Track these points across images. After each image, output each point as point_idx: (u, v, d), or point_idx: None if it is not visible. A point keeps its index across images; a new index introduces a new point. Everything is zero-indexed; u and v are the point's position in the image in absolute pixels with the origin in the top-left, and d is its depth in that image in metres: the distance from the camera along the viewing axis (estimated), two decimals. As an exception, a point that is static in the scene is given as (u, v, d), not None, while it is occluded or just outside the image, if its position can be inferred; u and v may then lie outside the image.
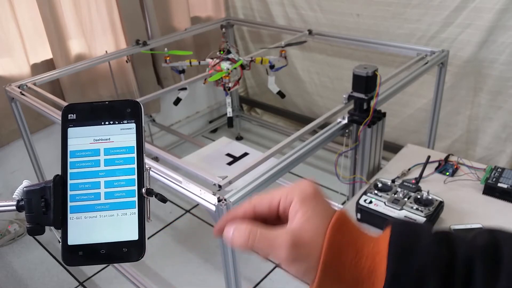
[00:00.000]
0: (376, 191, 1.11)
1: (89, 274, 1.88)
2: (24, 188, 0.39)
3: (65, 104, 0.46)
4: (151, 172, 0.74)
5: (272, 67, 1.98)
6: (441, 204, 1.06)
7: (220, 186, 1.08)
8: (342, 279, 0.36)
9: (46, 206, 0.38)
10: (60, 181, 0.39)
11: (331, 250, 0.36)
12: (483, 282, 0.34)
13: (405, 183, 1.13)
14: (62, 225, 0.38)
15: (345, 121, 1.34)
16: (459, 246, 0.36)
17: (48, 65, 2.05)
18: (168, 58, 1.96)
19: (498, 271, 0.34)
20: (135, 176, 0.39)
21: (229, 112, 1.88)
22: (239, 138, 2.82)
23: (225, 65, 1.82)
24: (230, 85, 1.84)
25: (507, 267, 0.34)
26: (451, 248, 0.36)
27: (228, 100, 1.88)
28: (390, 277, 0.34)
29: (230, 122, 1.91)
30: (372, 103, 1.34)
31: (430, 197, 1.07)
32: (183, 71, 2.02)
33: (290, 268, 0.37)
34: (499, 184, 1.13)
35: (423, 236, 0.36)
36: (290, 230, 0.37)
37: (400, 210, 1.04)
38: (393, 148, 2.18)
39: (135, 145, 0.40)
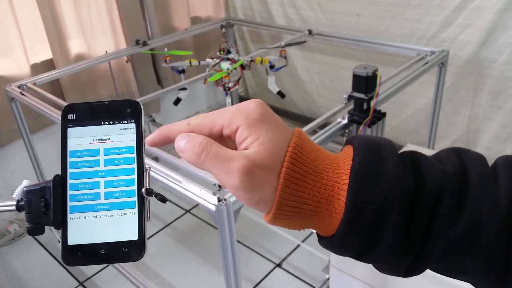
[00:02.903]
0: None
1: (89, 274, 1.88)
2: (24, 188, 0.39)
3: (65, 104, 0.46)
4: (151, 172, 0.74)
5: (272, 67, 1.98)
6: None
7: (220, 186, 1.08)
8: (299, 210, 0.34)
9: (46, 206, 0.38)
10: (60, 181, 0.39)
11: (288, 183, 0.33)
12: (446, 217, 0.32)
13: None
14: (62, 225, 0.38)
15: (345, 121, 1.34)
16: (428, 175, 0.33)
17: (48, 65, 2.05)
18: (168, 58, 1.96)
19: (462, 204, 0.33)
20: (135, 176, 0.39)
21: (229, 112, 1.88)
22: (239, 138, 2.82)
23: (225, 65, 1.82)
24: (230, 85, 1.84)
25: (472, 199, 0.33)
26: (419, 177, 0.33)
27: (228, 100, 1.88)
28: (350, 209, 0.32)
29: (230, 122, 1.91)
30: (372, 103, 1.34)
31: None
32: (183, 71, 2.02)
33: (240, 196, 0.34)
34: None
35: (388, 163, 0.33)
36: (245, 155, 0.33)
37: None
38: (393, 148, 2.18)
39: (135, 145, 0.40)
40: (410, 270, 0.35)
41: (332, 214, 0.34)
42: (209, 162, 0.34)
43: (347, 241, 0.33)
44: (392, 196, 0.32)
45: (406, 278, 0.36)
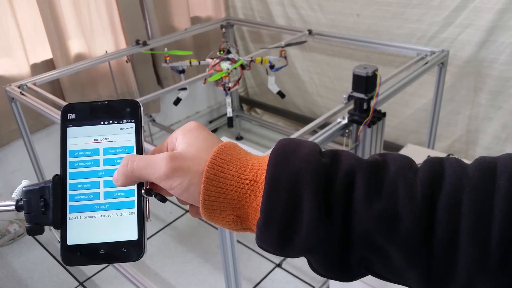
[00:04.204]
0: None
1: (89, 274, 1.88)
2: (23, 188, 0.39)
3: (65, 104, 0.46)
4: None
5: (272, 67, 1.98)
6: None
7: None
8: (226, 191, 0.36)
9: (46, 206, 0.38)
10: (60, 181, 0.39)
11: (214, 164, 0.36)
12: (363, 195, 0.33)
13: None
14: (61, 225, 0.38)
15: (345, 121, 1.34)
16: (344, 159, 0.36)
17: (48, 65, 2.05)
18: (168, 58, 1.96)
19: (380, 187, 0.34)
20: None
21: (229, 112, 1.88)
22: (239, 138, 2.82)
23: (225, 65, 1.82)
24: (230, 85, 1.84)
25: (389, 184, 0.34)
26: (336, 159, 0.36)
27: (228, 100, 1.88)
28: (269, 180, 0.35)
29: (230, 122, 1.91)
30: (372, 103, 1.34)
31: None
32: (183, 71, 2.02)
33: (172, 184, 0.36)
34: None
35: (305, 146, 0.37)
36: (171, 151, 0.39)
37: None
38: (393, 148, 2.18)
39: (134, 144, 0.40)
40: (345, 262, 0.35)
41: (256, 195, 0.36)
42: (137, 166, 0.37)
43: (269, 215, 0.34)
44: (306, 167, 0.34)
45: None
